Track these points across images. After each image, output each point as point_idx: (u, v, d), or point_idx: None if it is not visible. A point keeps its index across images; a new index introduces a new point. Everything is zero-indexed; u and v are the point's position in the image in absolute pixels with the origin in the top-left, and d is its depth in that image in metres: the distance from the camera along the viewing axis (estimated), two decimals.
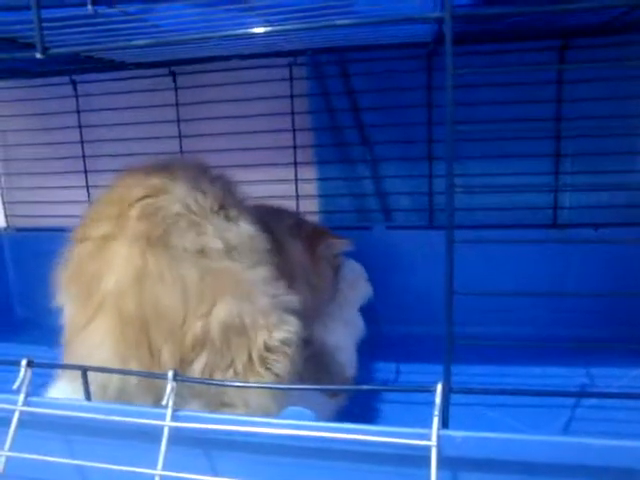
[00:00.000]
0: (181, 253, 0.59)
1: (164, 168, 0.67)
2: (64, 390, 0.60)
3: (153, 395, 0.56)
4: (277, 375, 0.60)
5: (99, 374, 0.55)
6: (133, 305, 0.57)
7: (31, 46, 0.76)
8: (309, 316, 0.72)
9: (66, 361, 0.60)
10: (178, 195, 0.63)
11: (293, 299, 0.64)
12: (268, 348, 0.60)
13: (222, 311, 0.58)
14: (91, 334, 0.58)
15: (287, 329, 0.61)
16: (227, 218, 0.64)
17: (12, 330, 1.16)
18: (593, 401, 0.76)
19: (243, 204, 0.69)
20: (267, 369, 0.59)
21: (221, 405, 0.59)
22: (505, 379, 0.83)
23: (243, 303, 0.59)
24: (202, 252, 0.60)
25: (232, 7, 0.60)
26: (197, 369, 0.57)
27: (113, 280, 0.59)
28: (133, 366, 0.56)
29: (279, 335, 0.60)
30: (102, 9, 0.57)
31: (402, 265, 1.05)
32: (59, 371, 0.63)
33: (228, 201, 0.66)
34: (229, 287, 0.59)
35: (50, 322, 1.12)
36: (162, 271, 0.58)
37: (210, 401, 0.58)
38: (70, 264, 0.64)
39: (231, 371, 0.58)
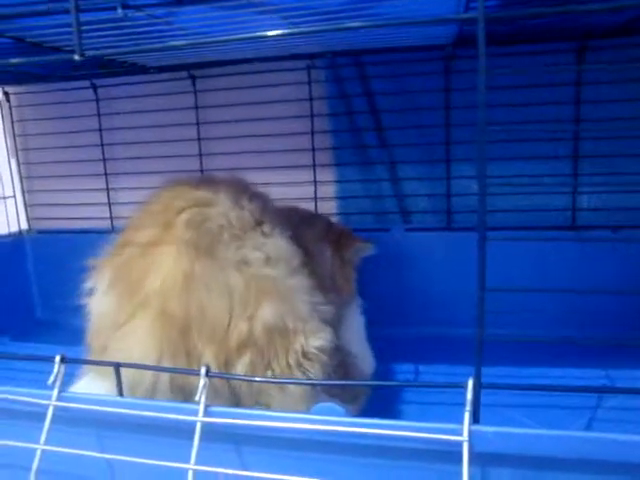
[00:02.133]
0: (225, 262, 0.62)
1: (207, 182, 0.71)
2: (88, 387, 0.61)
3: (182, 397, 0.57)
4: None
5: (130, 374, 0.56)
6: (177, 306, 0.59)
7: (58, 49, 0.77)
8: (336, 322, 0.74)
9: (96, 355, 0.62)
10: (222, 209, 0.66)
11: (328, 309, 0.67)
12: (305, 354, 0.61)
13: (267, 313, 0.60)
14: (131, 332, 0.60)
15: (323, 337, 0.63)
16: (263, 234, 0.67)
17: (33, 331, 1.17)
18: (613, 402, 0.76)
19: (278, 219, 0.71)
20: (303, 374, 0.61)
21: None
22: (524, 381, 0.83)
23: (285, 307, 0.62)
24: (244, 262, 0.63)
25: (257, 9, 0.61)
26: (240, 370, 0.59)
27: (159, 281, 0.60)
28: (168, 362, 0.58)
29: (316, 342, 0.62)
30: (131, 12, 0.58)
31: (420, 267, 1.05)
32: (84, 368, 0.64)
33: (264, 217, 0.69)
34: (272, 292, 0.62)
35: (70, 323, 1.15)
36: (208, 277, 0.60)
37: (248, 404, 0.60)
38: (115, 260, 0.66)
39: (269, 373, 0.60)
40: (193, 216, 0.65)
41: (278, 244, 0.67)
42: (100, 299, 0.65)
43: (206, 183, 0.70)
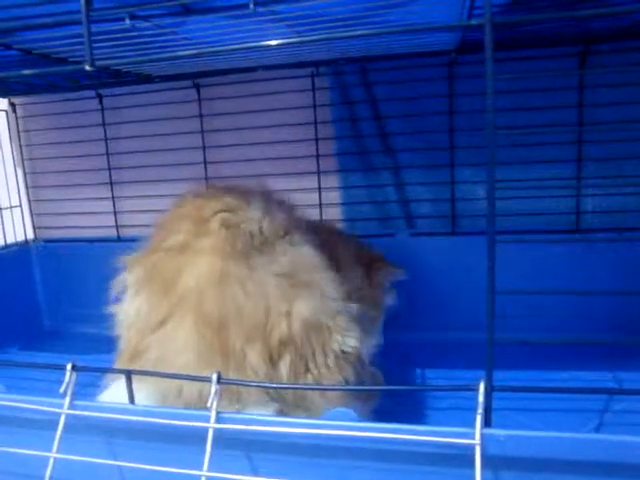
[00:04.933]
0: (258, 263, 0.63)
1: (236, 189, 0.72)
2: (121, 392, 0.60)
3: (227, 400, 0.56)
4: (347, 381, 0.62)
5: (166, 384, 0.56)
6: (214, 304, 0.59)
7: (65, 60, 0.78)
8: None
9: (131, 357, 0.62)
10: (254, 216, 0.67)
11: (356, 307, 0.67)
12: (342, 352, 0.62)
13: (303, 308, 0.61)
14: (170, 336, 0.60)
15: (355, 336, 0.64)
16: (291, 243, 0.68)
17: (40, 340, 1.18)
18: (622, 405, 0.76)
19: (304, 229, 0.72)
20: (340, 375, 0.62)
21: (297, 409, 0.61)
22: (532, 384, 0.83)
23: (318, 303, 0.62)
24: (274, 265, 0.64)
25: (262, 19, 0.62)
26: (283, 370, 0.59)
27: (194, 279, 0.61)
28: (209, 369, 0.56)
29: (350, 341, 0.63)
30: (138, 23, 0.59)
31: (425, 271, 1.05)
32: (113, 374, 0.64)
33: (292, 226, 0.70)
34: (304, 289, 0.63)
35: (77, 332, 1.15)
36: (243, 274, 0.61)
37: (289, 405, 0.60)
38: (145, 259, 0.67)
39: (309, 377, 0.61)
40: (227, 218, 0.66)
41: (305, 252, 0.68)
42: (131, 299, 0.66)
43: (234, 190, 0.71)
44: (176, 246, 0.65)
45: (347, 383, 0.62)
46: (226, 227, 0.64)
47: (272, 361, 0.59)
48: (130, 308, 0.65)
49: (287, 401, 0.59)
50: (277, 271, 0.63)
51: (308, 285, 0.63)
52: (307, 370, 0.60)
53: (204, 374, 0.56)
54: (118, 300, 0.67)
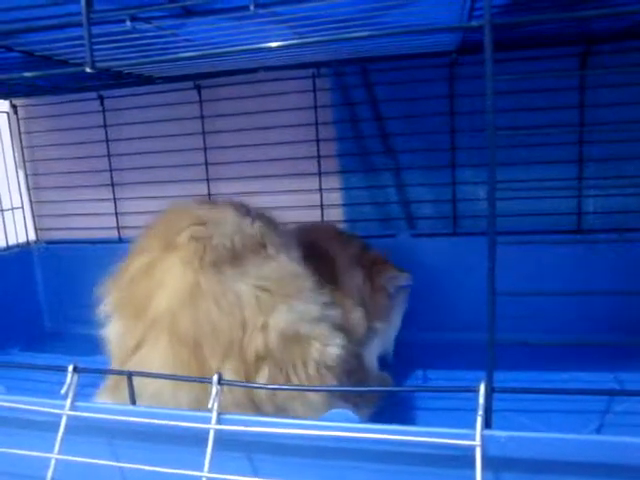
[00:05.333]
0: (230, 276, 0.61)
1: (209, 204, 0.71)
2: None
3: None
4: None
5: (148, 398, 0.56)
6: (187, 325, 0.58)
7: (66, 62, 0.78)
8: (360, 337, 0.76)
9: (116, 382, 0.61)
10: (226, 230, 0.65)
11: (337, 314, 0.66)
12: (322, 362, 0.61)
13: (280, 320, 0.60)
14: (146, 359, 0.59)
15: (337, 344, 0.63)
16: (266, 257, 0.66)
17: (41, 341, 1.18)
18: (623, 406, 0.76)
19: (283, 241, 0.69)
20: (322, 382, 0.61)
21: None
22: (532, 385, 0.83)
23: (296, 313, 0.61)
24: (248, 275, 0.62)
25: (263, 20, 0.62)
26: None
27: (165, 299, 0.59)
28: (185, 391, 0.56)
29: (331, 350, 0.62)
30: (139, 25, 0.59)
31: (426, 272, 1.05)
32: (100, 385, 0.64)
33: (267, 240, 0.67)
34: (281, 299, 0.61)
35: (78, 333, 1.15)
36: (215, 289, 0.59)
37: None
38: (119, 282, 0.66)
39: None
40: (196, 232, 0.63)
41: (282, 262, 0.66)
42: (108, 323, 0.65)
43: (208, 205, 0.70)
44: (145, 266, 0.63)
45: (330, 392, 0.62)
46: (195, 240, 0.62)
47: (249, 377, 0.58)
48: (108, 331, 0.65)
49: (269, 414, 0.58)
50: (252, 282, 0.61)
51: (286, 295, 0.62)
52: (288, 382, 0.59)
53: (179, 395, 0.56)
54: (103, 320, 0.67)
